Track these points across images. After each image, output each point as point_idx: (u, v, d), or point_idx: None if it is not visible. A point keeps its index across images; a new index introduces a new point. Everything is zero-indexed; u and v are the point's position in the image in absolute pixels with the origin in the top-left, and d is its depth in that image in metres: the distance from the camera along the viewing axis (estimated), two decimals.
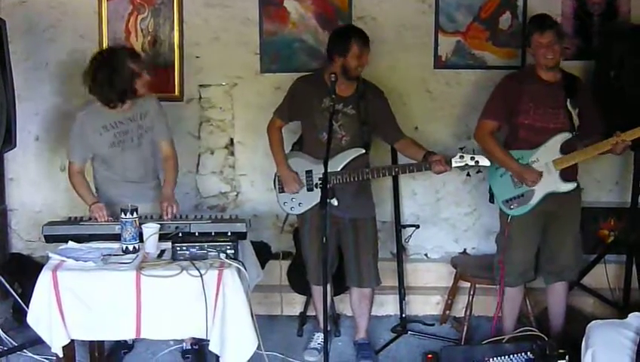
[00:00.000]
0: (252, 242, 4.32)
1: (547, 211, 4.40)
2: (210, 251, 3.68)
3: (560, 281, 4.57)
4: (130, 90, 4.20)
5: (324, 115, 4.29)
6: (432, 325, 5.13)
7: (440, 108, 5.37)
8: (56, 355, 3.66)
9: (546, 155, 4.32)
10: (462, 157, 4.26)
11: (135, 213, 3.77)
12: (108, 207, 4.22)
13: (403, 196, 5.40)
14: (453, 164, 4.27)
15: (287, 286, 5.09)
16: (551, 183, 4.32)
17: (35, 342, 4.30)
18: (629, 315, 3.55)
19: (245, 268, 3.70)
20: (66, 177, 5.24)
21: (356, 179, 4.40)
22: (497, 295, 4.57)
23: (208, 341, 3.63)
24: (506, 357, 4.15)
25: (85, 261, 3.65)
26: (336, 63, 4.36)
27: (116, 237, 3.85)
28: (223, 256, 3.66)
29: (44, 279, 3.56)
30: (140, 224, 3.82)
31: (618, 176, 5.37)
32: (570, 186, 4.35)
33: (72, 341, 3.66)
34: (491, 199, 4.57)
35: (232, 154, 5.47)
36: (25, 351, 4.51)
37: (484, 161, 4.29)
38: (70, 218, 4.22)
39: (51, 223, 4.10)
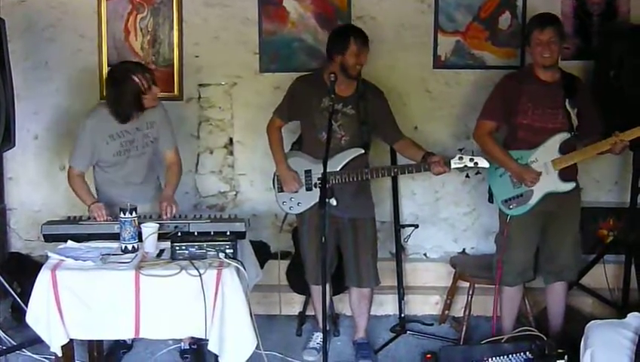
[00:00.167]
0: (251, 242, 4.32)
1: (546, 211, 4.40)
2: (209, 251, 3.68)
3: (559, 281, 4.57)
4: (136, 107, 4.19)
5: (324, 114, 4.29)
6: (431, 325, 5.13)
7: (439, 108, 5.37)
8: (55, 354, 3.66)
9: (545, 155, 4.32)
10: (461, 158, 4.26)
11: (134, 213, 3.77)
12: (107, 206, 4.22)
13: (402, 196, 5.40)
14: (452, 166, 4.27)
15: (286, 286, 5.10)
16: (550, 183, 4.33)
17: (34, 342, 4.30)
18: (628, 315, 3.55)
19: (244, 268, 3.70)
20: (64, 176, 5.24)
21: (355, 179, 4.39)
22: (499, 296, 4.57)
23: (207, 340, 3.63)
24: (505, 356, 4.15)
25: (84, 260, 3.65)
26: (335, 62, 4.36)
27: (115, 237, 3.85)
28: (222, 255, 3.66)
29: (43, 278, 3.56)
30: (139, 223, 3.82)
31: (617, 176, 5.37)
32: (569, 186, 4.35)
33: (71, 340, 3.66)
34: (490, 199, 4.57)
35: (232, 153, 5.47)
36: (24, 350, 4.51)
37: (484, 163, 4.29)
38: (69, 217, 4.22)
39: (50, 222, 4.10)
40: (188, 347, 4.58)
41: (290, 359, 4.64)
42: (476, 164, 4.27)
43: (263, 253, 4.96)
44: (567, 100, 4.30)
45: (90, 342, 4.22)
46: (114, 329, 3.66)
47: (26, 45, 5.26)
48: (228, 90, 5.38)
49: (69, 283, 3.55)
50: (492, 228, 5.02)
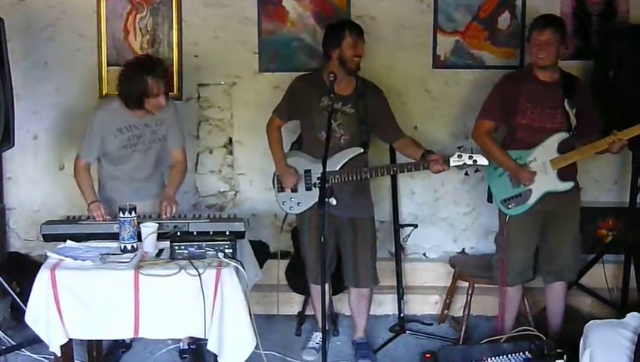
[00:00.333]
0: (250, 241, 4.32)
1: (546, 211, 4.40)
2: (209, 250, 3.68)
3: (559, 281, 4.57)
4: (138, 106, 4.19)
5: (323, 114, 4.29)
6: (431, 324, 5.13)
7: (438, 108, 5.37)
8: (55, 354, 3.67)
9: (544, 155, 4.32)
10: (460, 156, 4.26)
11: (133, 212, 3.77)
12: (109, 203, 4.22)
13: (401, 195, 5.40)
14: (452, 163, 4.27)
15: (286, 286, 5.10)
16: (548, 183, 4.33)
17: (33, 341, 4.31)
18: (627, 315, 3.55)
19: (244, 268, 3.70)
20: (64, 176, 5.31)
21: (354, 178, 4.39)
22: (499, 295, 4.56)
23: (206, 340, 3.63)
24: (504, 356, 4.15)
25: (83, 260, 3.66)
26: (333, 59, 4.35)
27: (114, 237, 3.86)
28: (221, 255, 3.66)
29: (42, 278, 3.56)
30: (139, 223, 3.82)
31: (617, 175, 5.37)
32: (567, 186, 4.35)
33: (70, 340, 3.67)
34: (489, 198, 4.57)
35: (231, 153, 5.47)
36: (23, 350, 4.52)
37: (483, 160, 4.29)
38: (68, 217, 4.22)
39: (49, 222, 4.10)
40: (187, 347, 4.58)
41: (289, 359, 4.64)
42: (475, 161, 4.27)
43: (262, 252, 4.96)
44: (565, 100, 4.31)
45: (89, 341, 4.22)
46: (113, 328, 3.66)
47: (25, 45, 5.25)
48: (227, 90, 5.38)
49: (68, 283, 3.55)
50: (491, 228, 5.02)
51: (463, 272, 4.96)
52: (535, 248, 4.53)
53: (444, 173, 4.35)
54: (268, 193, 5.12)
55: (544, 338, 4.26)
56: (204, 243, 3.68)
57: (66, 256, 3.67)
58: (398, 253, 5.18)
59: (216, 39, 5.32)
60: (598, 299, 5.09)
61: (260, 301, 4.98)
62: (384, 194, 5.33)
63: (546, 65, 4.28)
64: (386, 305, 5.27)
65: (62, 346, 3.62)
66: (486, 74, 5.18)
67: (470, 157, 4.27)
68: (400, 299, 5.06)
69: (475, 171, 4.32)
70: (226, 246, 3.69)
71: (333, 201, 4.17)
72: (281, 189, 4.57)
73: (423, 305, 5.34)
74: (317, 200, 3.95)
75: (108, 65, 5.25)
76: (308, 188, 4.50)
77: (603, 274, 5.03)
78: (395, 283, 5.11)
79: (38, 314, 3.58)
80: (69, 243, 3.89)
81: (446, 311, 5.17)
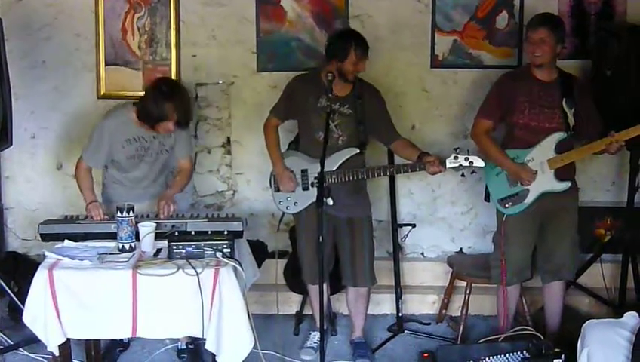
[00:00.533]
0: (248, 241, 4.33)
1: (544, 210, 4.40)
2: (207, 250, 3.68)
3: (557, 280, 4.57)
4: (150, 126, 4.21)
5: (321, 114, 4.29)
6: (429, 324, 5.13)
7: (437, 108, 5.37)
8: (52, 354, 3.68)
9: (541, 155, 4.32)
10: (456, 157, 4.27)
11: (131, 212, 3.77)
12: (110, 204, 4.22)
13: (400, 195, 5.41)
14: (448, 165, 4.27)
15: (284, 285, 5.10)
16: (545, 182, 4.33)
17: (31, 341, 4.31)
18: (625, 315, 3.55)
19: (242, 267, 3.71)
20: (61, 176, 5.33)
21: (351, 178, 4.39)
22: (500, 294, 4.56)
23: (204, 340, 3.63)
24: (502, 356, 4.14)
25: (81, 260, 3.66)
26: (332, 64, 4.35)
27: (112, 236, 3.86)
28: (219, 254, 3.66)
29: (40, 278, 3.56)
30: (136, 223, 3.82)
31: (615, 175, 5.37)
32: (564, 186, 4.34)
33: (68, 339, 3.67)
34: (487, 198, 4.57)
35: (229, 152, 5.47)
36: (21, 349, 4.52)
37: (479, 162, 4.29)
38: (66, 216, 4.22)
39: (47, 222, 4.09)
40: (185, 346, 4.58)
41: (287, 358, 4.64)
42: (471, 163, 4.27)
43: (260, 252, 4.96)
44: (564, 100, 4.31)
45: (87, 341, 4.22)
46: (111, 328, 3.66)
47: (23, 44, 5.25)
48: (225, 90, 5.38)
49: (66, 283, 3.55)
50: (489, 228, 5.03)
51: (461, 272, 4.96)
52: (533, 247, 4.53)
53: (441, 174, 4.35)
54: (266, 192, 5.12)
55: (542, 337, 4.26)
56: (202, 243, 3.69)
57: (64, 256, 3.67)
58: (396, 253, 5.18)
59: (214, 39, 5.32)
60: (596, 298, 5.09)
61: (258, 300, 4.98)
62: (382, 193, 5.33)
63: (541, 63, 4.28)
64: (384, 305, 5.27)
65: (60, 346, 3.63)
66: (484, 73, 5.19)
67: (466, 159, 4.27)
68: (398, 298, 5.07)
69: (472, 173, 4.32)
70: (224, 246, 3.69)
71: (330, 201, 4.16)
72: (278, 189, 4.56)
73: (421, 305, 5.34)
74: (314, 200, 3.94)
75: (106, 64, 5.26)
76: (305, 188, 4.49)
77: (601, 274, 5.03)
78: (393, 283, 5.11)
79: (36, 313, 3.58)
80: (66, 242, 3.89)
81: (444, 311, 5.17)
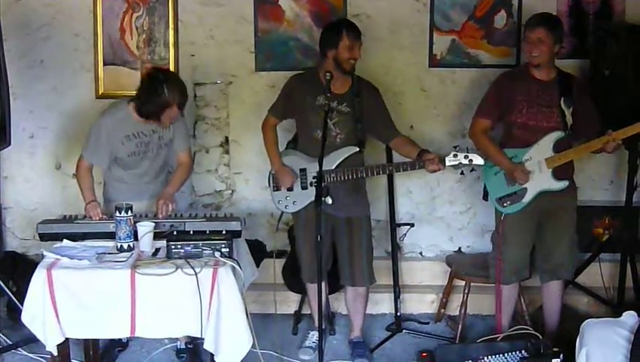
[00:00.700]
0: (247, 240, 4.33)
1: (542, 209, 4.41)
2: (205, 249, 3.68)
3: (555, 280, 4.58)
4: (155, 119, 4.19)
5: (319, 112, 4.29)
6: (427, 323, 5.14)
7: (435, 107, 5.37)
8: (51, 353, 3.67)
9: (539, 154, 4.33)
10: (455, 155, 4.26)
11: (130, 212, 3.77)
12: (111, 203, 4.23)
13: (398, 194, 5.40)
14: (447, 163, 4.27)
15: (282, 285, 5.09)
16: (543, 181, 4.33)
17: (30, 341, 4.30)
18: (623, 314, 3.56)
19: (240, 267, 3.71)
20: (60, 175, 5.32)
21: (350, 177, 4.39)
22: (496, 293, 4.57)
23: (203, 339, 3.63)
24: (501, 355, 4.15)
25: (80, 259, 3.65)
26: (328, 58, 4.34)
27: (111, 236, 3.86)
28: (217, 254, 3.67)
29: (38, 277, 3.56)
30: (135, 222, 3.82)
31: (613, 174, 5.38)
32: (562, 185, 4.35)
33: (67, 339, 3.67)
34: (485, 197, 4.57)
35: (227, 152, 5.47)
36: (19, 349, 4.52)
37: (478, 160, 4.29)
38: (65, 216, 4.21)
39: (46, 221, 4.08)
40: (184, 346, 4.58)
41: (286, 358, 4.64)
42: (471, 161, 4.27)
43: (258, 251, 4.95)
44: (562, 99, 4.31)
45: (85, 340, 4.22)
46: (109, 328, 3.66)
47: (21, 44, 5.25)
48: (224, 89, 5.38)
49: (64, 282, 3.55)
50: (488, 227, 5.03)
51: (460, 271, 4.96)
52: (531, 246, 4.53)
53: (439, 172, 4.35)
54: (264, 192, 5.12)
55: (540, 336, 4.26)
56: (200, 243, 3.69)
57: (63, 256, 3.67)
58: (395, 252, 5.18)
59: (212, 38, 5.32)
60: (595, 297, 5.09)
61: (256, 300, 4.98)
62: (381, 193, 5.33)
63: (538, 63, 4.28)
64: (382, 304, 5.27)
65: (58, 345, 3.63)
66: (482, 73, 5.19)
67: (466, 157, 4.27)
68: (396, 297, 5.06)
69: (471, 171, 4.31)
70: (223, 246, 3.69)
71: (329, 200, 4.18)
72: (276, 188, 4.56)
73: (420, 304, 5.34)
74: (313, 199, 3.94)
75: (104, 64, 5.26)
76: (304, 187, 4.49)
77: (599, 273, 5.03)
78: (392, 282, 5.11)
79: (35, 313, 3.58)
80: (65, 242, 3.89)
81: (442, 310, 5.18)
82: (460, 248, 5.55)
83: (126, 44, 5.26)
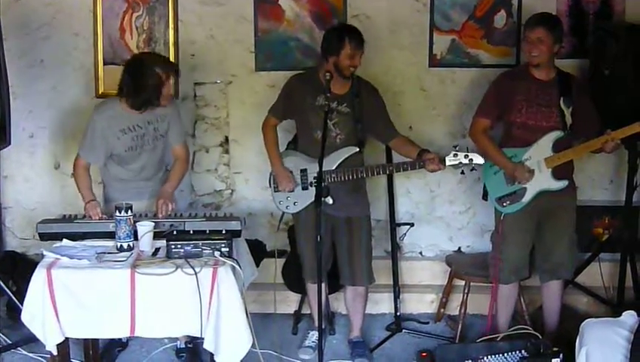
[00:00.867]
0: (247, 240, 4.33)
1: (542, 209, 4.41)
2: (205, 249, 3.68)
3: (555, 279, 4.58)
4: (156, 98, 4.17)
5: (319, 113, 4.28)
6: (427, 323, 5.14)
7: (435, 107, 5.37)
8: (51, 353, 3.67)
9: (538, 153, 4.33)
10: (456, 155, 4.27)
11: (129, 211, 3.77)
12: (112, 203, 4.23)
13: (398, 194, 5.40)
14: (447, 163, 4.28)
15: (282, 285, 5.09)
16: (543, 181, 4.33)
17: (30, 340, 4.30)
18: (623, 314, 3.56)
19: (240, 266, 3.70)
20: (60, 175, 5.31)
21: (350, 177, 4.39)
22: (491, 292, 4.57)
23: (203, 339, 3.63)
24: (501, 355, 4.15)
25: (80, 259, 3.65)
26: (329, 62, 4.35)
27: (111, 235, 3.85)
28: (217, 254, 3.66)
29: (38, 277, 3.56)
30: (135, 222, 3.82)
31: (613, 174, 5.38)
32: (561, 184, 4.35)
33: (67, 339, 3.67)
34: (485, 196, 4.57)
35: (227, 152, 5.47)
36: (19, 348, 4.52)
37: (478, 159, 4.29)
38: (64, 216, 4.20)
39: (45, 221, 4.08)
40: (184, 345, 4.58)
41: (285, 357, 4.64)
42: (471, 160, 4.28)
43: (258, 251, 4.95)
44: (561, 99, 4.31)
45: (85, 340, 4.22)
46: (109, 327, 3.66)
47: (21, 43, 5.24)
48: (223, 89, 5.38)
49: (64, 282, 3.55)
50: (487, 227, 5.02)
51: (459, 271, 4.96)
52: (531, 246, 4.54)
53: (439, 172, 4.36)
54: (264, 192, 5.12)
55: (540, 336, 4.27)
56: (200, 242, 3.69)
57: (62, 255, 3.66)
58: (395, 252, 5.18)
59: (212, 38, 5.32)
60: (594, 297, 5.09)
61: (256, 300, 4.99)
62: (380, 193, 5.33)
63: (538, 63, 4.28)
64: (382, 304, 5.27)
65: (58, 345, 3.63)
66: (482, 73, 5.19)
67: (466, 156, 4.27)
68: (396, 297, 5.06)
69: (472, 170, 4.32)
70: (223, 245, 3.69)
71: (330, 200, 4.18)
72: (277, 189, 4.56)
73: (419, 304, 5.34)
74: (313, 199, 3.94)
75: (104, 64, 5.25)
76: (304, 188, 4.50)
77: (599, 273, 5.03)
78: (392, 282, 5.11)
79: (35, 312, 3.58)
80: (65, 242, 3.89)
81: (442, 310, 5.18)
82: (459, 248, 5.55)
83: (126, 43, 5.26)
